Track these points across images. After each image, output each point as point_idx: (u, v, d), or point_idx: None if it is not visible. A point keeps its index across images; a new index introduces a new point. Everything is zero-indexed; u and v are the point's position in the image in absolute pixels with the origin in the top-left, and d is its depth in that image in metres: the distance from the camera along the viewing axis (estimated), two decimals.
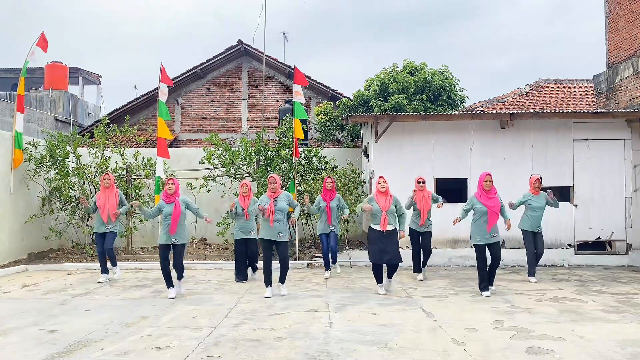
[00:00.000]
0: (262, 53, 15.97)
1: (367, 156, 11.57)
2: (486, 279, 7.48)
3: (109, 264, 8.76)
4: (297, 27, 74.75)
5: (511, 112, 10.50)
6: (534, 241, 8.63)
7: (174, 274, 7.47)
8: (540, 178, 8.82)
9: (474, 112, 12.33)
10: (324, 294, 7.52)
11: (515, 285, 8.33)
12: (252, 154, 11.33)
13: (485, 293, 7.40)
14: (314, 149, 12.01)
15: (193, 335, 5.38)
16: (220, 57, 17.53)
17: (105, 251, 8.59)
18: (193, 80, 17.96)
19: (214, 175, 11.42)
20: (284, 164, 11.32)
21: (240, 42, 17.42)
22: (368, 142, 11.47)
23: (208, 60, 17.47)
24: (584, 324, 5.83)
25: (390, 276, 7.67)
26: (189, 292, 7.71)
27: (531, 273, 8.60)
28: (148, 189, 11.65)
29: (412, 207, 8.64)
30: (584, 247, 10.71)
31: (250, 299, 7.22)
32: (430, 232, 8.72)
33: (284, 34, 19.33)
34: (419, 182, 8.67)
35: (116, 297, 7.41)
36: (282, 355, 4.72)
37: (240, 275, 8.61)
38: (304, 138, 11.04)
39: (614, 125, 10.74)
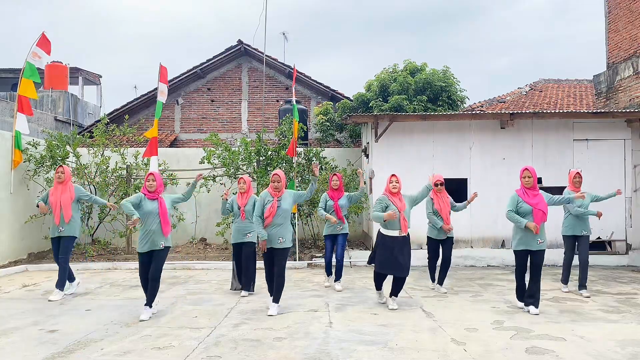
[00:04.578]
0: (262, 53, 15.98)
1: (367, 156, 11.57)
2: (524, 290, 6.54)
3: (53, 281, 7.53)
4: (297, 27, 74.78)
5: (511, 112, 10.51)
6: (576, 246, 7.65)
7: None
8: (580, 172, 7.70)
9: (474, 112, 12.33)
10: (324, 294, 7.51)
11: (515, 285, 8.31)
12: (252, 154, 11.34)
13: (533, 310, 6.30)
14: (314, 149, 12.02)
15: (193, 335, 5.38)
16: (220, 57, 17.54)
17: (59, 260, 7.29)
18: (193, 80, 17.96)
19: (214, 175, 11.43)
20: (284, 164, 11.32)
21: (240, 42, 17.43)
22: (368, 142, 11.47)
23: (208, 60, 17.47)
24: (584, 324, 5.83)
25: (395, 293, 6.68)
26: (189, 292, 7.71)
27: (564, 281, 7.82)
28: None
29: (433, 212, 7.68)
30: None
31: (250, 299, 7.21)
32: (452, 239, 7.76)
33: (284, 34, 19.31)
34: (436, 185, 7.63)
35: (116, 297, 7.41)
36: (282, 355, 4.72)
37: (237, 282, 7.67)
38: (296, 139, 11.05)
39: (614, 125, 10.75)
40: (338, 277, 7.97)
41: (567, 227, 7.68)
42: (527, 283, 6.54)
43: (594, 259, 10.54)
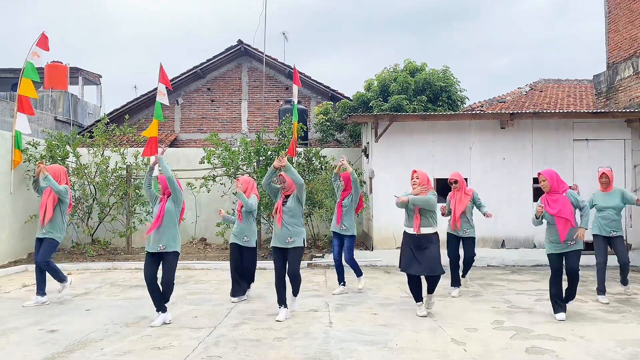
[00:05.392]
0: (262, 53, 15.99)
1: (367, 156, 11.57)
2: (560, 298, 6.12)
3: (53, 281, 7.09)
4: (297, 27, 74.77)
5: (511, 112, 10.51)
6: (607, 248, 7.21)
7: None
8: (606, 172, 7.35)
9: (474, 112, 12.34)
10: (324, 294, 7.51)
11: (515, 285, 8.33)
12: (252, 154, 11.33)
13: (559, 316, 6.00)
14: (314, 149, 12.02)
15: (193, 335, 5.38)
16: (220, 57, 17.54)
17: (39, 264, 6.87)
18: (193, 80, 17.97)
19: (213, 175, 11.43)
20: None
21: (240, 42, 17.43)
22: (368, 142, 11.47)
23: (208, 60, 17.48)
24: (584, 324, 5.83)
25: (430, 290, 6.27)
26: (189, 292, 7.70)
27: (600, 290, 7.06)
28: None
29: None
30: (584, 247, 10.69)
31: (251, 299, 7.21)
32: (472, 238, 7.54)
33: (284, 34, 19.31)
34: (451, 184, 7.52)
35: (116, 297, 7.41)
36: (282, 355, 4.72)
37: (234, 292, 7.12)
38: (296, 139, 11.06)
39: (614, 125, 10.75)
40: (358, 273, 7.76)
41: (594, 225, 7.32)
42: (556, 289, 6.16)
43: (594, 259, 10.50)
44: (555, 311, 6.07)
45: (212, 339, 5.22)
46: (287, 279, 6.18)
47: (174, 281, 6.01)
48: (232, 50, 17.56)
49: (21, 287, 8.17)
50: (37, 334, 5.46)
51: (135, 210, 11.52)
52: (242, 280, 7.17)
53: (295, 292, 6.29)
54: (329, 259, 10.62)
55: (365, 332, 5.47)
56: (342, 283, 7.71)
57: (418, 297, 6.28)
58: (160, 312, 5.86)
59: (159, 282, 5.87)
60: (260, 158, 11.43)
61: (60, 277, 7.05)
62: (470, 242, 7.56)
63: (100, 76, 23.64)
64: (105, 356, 4.72)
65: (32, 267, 10.02)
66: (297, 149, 11.38)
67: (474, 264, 9.74)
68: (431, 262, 5.99)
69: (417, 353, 4.78)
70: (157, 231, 5.83)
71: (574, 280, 6.14)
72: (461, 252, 7.63)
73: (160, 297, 5.85)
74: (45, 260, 6.85)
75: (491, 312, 6.43)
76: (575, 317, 6.13)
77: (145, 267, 5.91)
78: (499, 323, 5.87)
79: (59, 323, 5.88)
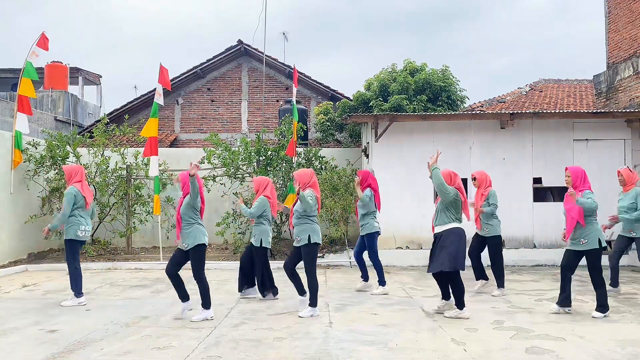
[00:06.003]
0: (262, 53, 15.98)
1: (367, 156, 11.57)
2: (565, 292, 6.22)
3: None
4: (297, 27, 74.77)
5: (511, 112, 10.51)
6: (626, 246, 7.33)
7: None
8: (621, 171, 7.38)
9: (474, 112, 12.35)
10: (324, 294, 7.51)
11: (515, 285, 8.33)
12: (252, 154, 11.33)
13: (553, 307, 6.29)
14: (313, 149, 12.02)
15: (193, 335, 5.38)
16: (220, 57, 17.54)
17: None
18: (193, 80, 17.96)
19: (214, 175, 11.42)
20: (284, 164, 11.32)
21: (240, 42, 17.43)
22: (368, 142, 11.47)
23: (208, 60, 17.48)
24: (584, 324, 5.83)
25: (454, 296, 6.19)
26: (189, 292, 7.68)
27: (612, 283, 7.28)
28: (148, 189, 11.66)
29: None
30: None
31: (251, 299, 7.21)
32: (492, 237, 7.45)
33: (284, 34, 19.29)
34: (473, 180, 7.86)
35: (116, 297, 7.41)
36: (282, 355, 4.72)
37: (239, 286, 7.39)
38: (295, 140, 11.06)
39: (614, 125, 10.74)
40: (381, 281, 7.69)
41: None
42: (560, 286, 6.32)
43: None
44: (556, 302, 6.30)
45: (212, 339, 5.22)
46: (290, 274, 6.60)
47: (204, 278, 6.25)
48: (232, 50, 17.56)
49: (21, 287, 8.17)
50: (37, 334, 5.46)
51: (135, 210, 11.52)
52: (245, 276, 7.33)
53: (309, 301, 6.29)
54: (329, 259, 10.64)
55: (365, 332, 5.47)
56: (363, 279, 7.84)
57: (443, 294, 6.41)
58: (182, 302, 6.16)
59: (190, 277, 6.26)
60: (260, 158, 11.43)
61: (76, 288, 6.82)
62: (491, 243, 7.49)
63: (100, 76, 23.64)
64: (105, 356, 4.72)
65: (32, 267, 10.10)
66: (297, 149, 11.37)
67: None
68: (435, 260, 6.09)
69: (417, 353, 4.79)
70: (181, 231, 6.13)
71: (594, 277, 6.12)
72: None
73: (180, 287, 6.16)
74: (70, 262, 6.84)
75: (491, 312, 6.43)
76: (575, 317, 6.14)
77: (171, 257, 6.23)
78: (499, 323, 5.87)
79: (59, 323, 5.88)
